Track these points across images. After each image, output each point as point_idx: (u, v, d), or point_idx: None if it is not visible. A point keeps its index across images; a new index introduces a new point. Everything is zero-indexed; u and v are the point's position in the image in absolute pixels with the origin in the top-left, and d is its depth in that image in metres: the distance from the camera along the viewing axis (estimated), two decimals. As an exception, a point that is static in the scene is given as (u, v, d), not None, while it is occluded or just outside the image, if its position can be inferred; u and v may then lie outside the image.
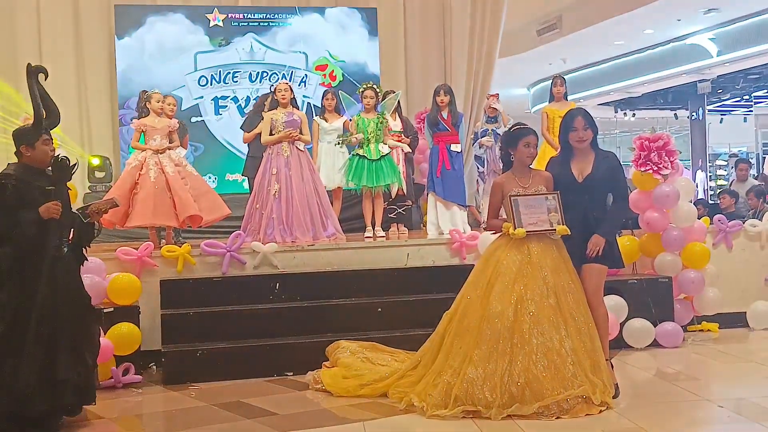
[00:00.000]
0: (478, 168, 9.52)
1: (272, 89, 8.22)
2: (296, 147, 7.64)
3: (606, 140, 28.26)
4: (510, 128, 5.20)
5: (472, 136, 10.01)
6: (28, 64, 4.76)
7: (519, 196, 4.86)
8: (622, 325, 6.56)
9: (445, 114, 8.03)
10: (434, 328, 5.21)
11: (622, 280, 6.84)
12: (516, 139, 5.01)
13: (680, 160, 7.32)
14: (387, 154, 7.94)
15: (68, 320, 4.64)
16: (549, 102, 9.12)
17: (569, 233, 4.78)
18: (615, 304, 6.46)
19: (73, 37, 10.98)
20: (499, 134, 9.34)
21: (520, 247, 4.87)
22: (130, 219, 7.23)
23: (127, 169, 7.49)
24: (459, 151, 8.14)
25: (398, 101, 8.79)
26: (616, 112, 22.00)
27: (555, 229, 4.79)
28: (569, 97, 9.25)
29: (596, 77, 18.73)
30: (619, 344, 6.49)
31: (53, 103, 4.77)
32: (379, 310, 6.39)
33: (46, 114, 4.72)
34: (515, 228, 4.81)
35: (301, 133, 7.65)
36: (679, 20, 14.77)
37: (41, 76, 4.74)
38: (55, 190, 4.62)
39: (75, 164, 4.84)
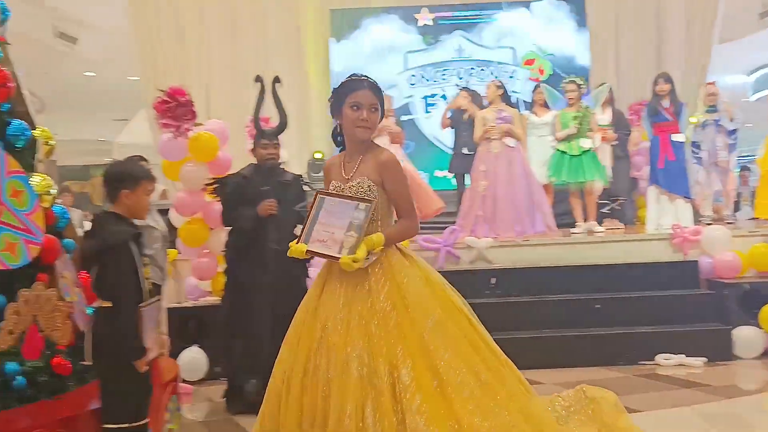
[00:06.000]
0: (695, 153, 8.99)
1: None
2: (506, 144, 7.66)
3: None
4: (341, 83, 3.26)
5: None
6: (276, 76, 5.28)
7: (327, 194, 3.18)
8: None
9: (665, 103, 7.74)
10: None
11: None
12: (341, 97, 3.18)
13: None
14: (590, 149, 7.72)
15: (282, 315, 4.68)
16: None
17: (355, 267, 2.97)
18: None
19: (295, 42, 11.57)
20: (721, 125, 8.85)
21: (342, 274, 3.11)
22: None
23: None
24: (682, 141, 7.81)
25: (609, 92, 8.58)
26: None
27: (338, 257, 3.01)
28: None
29: (826, 60, 17.28)
30: None
31: (284, 111, 5.26)
32: (597, 306, 6.30)
33: (280, 119, 5.23)
34: (298, 241, 3.16)
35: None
36: None
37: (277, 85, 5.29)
38: (270, 189, 4.98)
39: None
